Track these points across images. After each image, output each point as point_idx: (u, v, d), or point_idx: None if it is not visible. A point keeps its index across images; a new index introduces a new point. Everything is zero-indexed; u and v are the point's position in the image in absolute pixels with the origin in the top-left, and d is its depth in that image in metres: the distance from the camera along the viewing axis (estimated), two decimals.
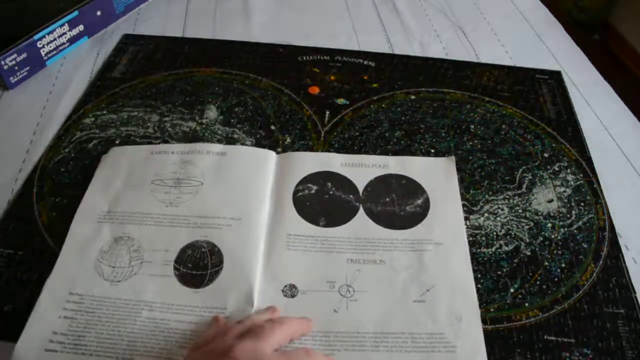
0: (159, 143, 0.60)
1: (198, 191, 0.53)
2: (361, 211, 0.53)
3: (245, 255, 0.48)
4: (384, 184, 0.55)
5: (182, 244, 0.49)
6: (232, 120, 0.63)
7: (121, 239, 0.49)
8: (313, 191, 0.54)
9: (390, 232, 0.51)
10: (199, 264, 0.47)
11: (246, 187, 0.54)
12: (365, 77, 0.71)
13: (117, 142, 0.60)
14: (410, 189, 0.55)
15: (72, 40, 0.73)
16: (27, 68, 0.68)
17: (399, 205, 0.53)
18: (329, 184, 0.55)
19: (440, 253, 0.49)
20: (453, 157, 0.59)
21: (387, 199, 0.54)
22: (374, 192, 0.55)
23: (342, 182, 0.55)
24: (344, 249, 0.49)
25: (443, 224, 0.52)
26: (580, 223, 0.54)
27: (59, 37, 0.70)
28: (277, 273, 0.47)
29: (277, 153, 0.58)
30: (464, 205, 0.55)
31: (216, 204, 0.52)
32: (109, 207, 0.52)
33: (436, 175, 0.57)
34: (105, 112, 0.64)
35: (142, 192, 0.53)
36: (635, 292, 0.49)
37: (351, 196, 0.54)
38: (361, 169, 0.57)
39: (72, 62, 0.72)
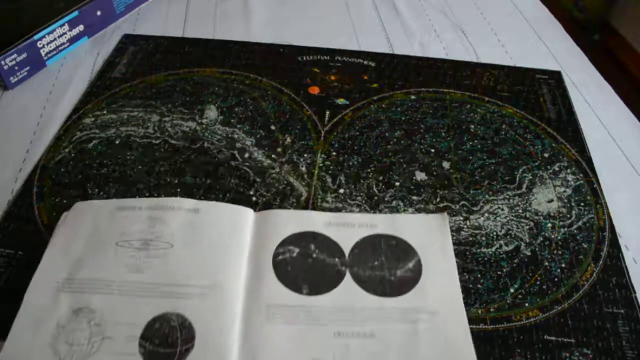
0: (158, 143, 0.59)
1: (167, 254, 0.47)
2: (348, 276, 0.48)
3: (220, 330, 0.43)
4: (372, 245, 0.50)
5: (149, 317, 0.43)
6: (232, 120, 0.63)
7: (81, 311, 0.44)
8: (295, 254, 0.49)
9: (380, 300, 0.46)
10: (167, 341, 0.42)
11: (221, 250, 0.48)
12: (365, 77, 0.71)
13: (117, 142, 0.60)
14: (400, 250, 0.50)
15: (72, 40, 0.73)
16: (27, 68, 0.68)
17: (389, 269, 0.48)
18: (312, 245, 0.50)
19: (435, 324, 0.45)
20: (446, 214, 0.53)
21: (376, 263, 0.49)
22: (362, 254, 0.49)
23: (327, 244, 0.50)
24: (331, 321, 0.44)
25: (437, 289, 0.47)
26: (580, 223, 0.54)
27: (59, 37, 0.70)
28: (257, 351, 0.42)
29: (255, 211, 0.53)
30: (463, 205, 0.55)
31: (187, 270, 0.46)
32: (69, 273, 0.46)
33: (428, 233, 0.51)
34: (105, 112, 0.64)
35: (106, 256, 0.47)
36: (635, 292, 0.49)
37: (337, 259, 0.49)
38: (347, 228, 0.51)
39: (72, 62, 0.72)
